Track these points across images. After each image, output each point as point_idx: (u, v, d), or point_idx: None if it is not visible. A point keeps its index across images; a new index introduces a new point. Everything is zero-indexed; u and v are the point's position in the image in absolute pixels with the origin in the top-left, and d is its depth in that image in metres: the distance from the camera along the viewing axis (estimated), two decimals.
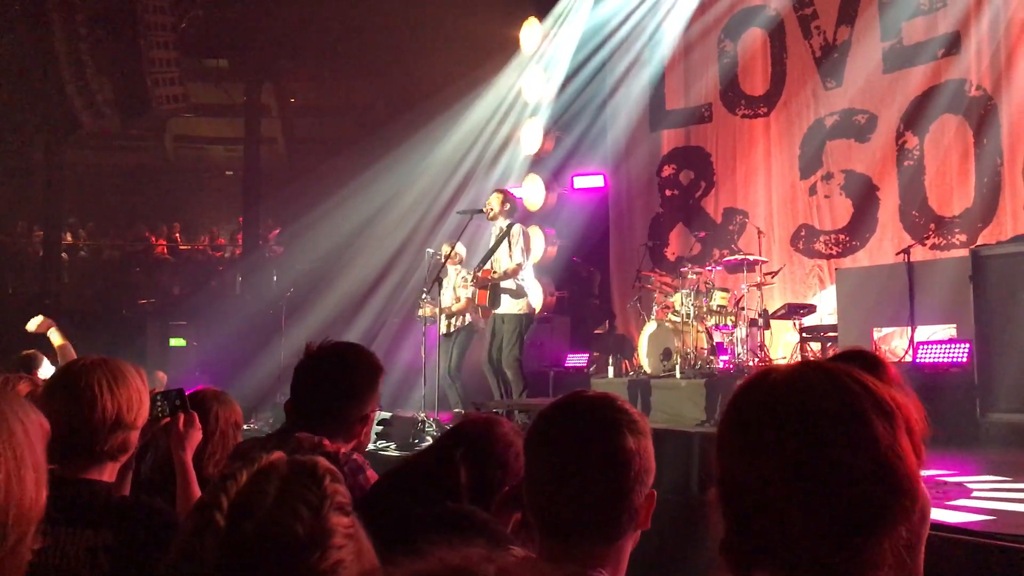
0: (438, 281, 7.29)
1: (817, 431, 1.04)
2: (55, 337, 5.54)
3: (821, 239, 9.19)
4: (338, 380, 2.31)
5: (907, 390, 1.17)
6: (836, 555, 1.01)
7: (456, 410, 7.71)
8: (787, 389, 1.09)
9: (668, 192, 10.78)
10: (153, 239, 16.85)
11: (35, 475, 1.11)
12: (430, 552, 0.73)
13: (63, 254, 15.17)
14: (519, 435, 1.95)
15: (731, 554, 1.07)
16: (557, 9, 10.78)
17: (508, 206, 7.61)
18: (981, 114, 8.00)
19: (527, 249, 7.52)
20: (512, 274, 7.38)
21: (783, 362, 7.87)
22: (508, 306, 7.51)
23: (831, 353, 8.12)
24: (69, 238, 16.20)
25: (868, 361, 1.33)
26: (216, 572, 0.89)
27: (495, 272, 7.49)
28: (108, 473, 1.96)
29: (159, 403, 2.34)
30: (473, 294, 7.82)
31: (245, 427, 2.96)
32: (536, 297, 7.55)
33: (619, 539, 1.47)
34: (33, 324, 5.59)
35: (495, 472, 1.91)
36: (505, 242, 7.46)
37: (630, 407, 1.54)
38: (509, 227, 7.51)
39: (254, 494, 0.93)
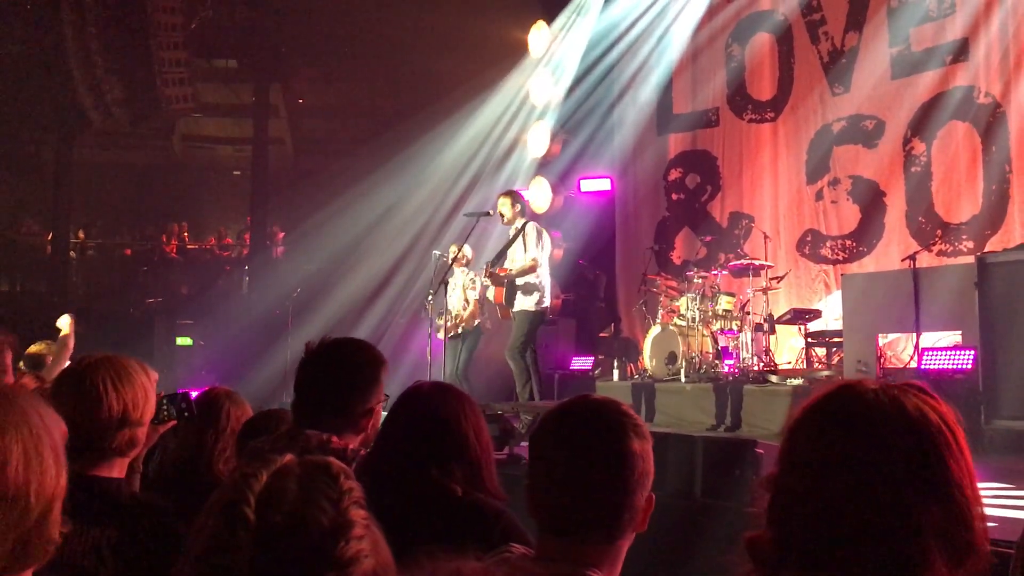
0: (444, 283, 7.30)
1: (897, 465, 1.03)
2: (64, 327, 5.56)
3: (827, 244, 9.18)
4: (339, 375, 2.29)
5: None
6: None
7: None
8: (885, 412, 1.07)
9: (674, 196, 10.79)
10: (162, 238, 16.92)
11: (54, 454, 1.13)
12: (421, 564, 0.75)
13: (71, 252, 15.25)
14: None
15: (762, 553, 1.07)
16: (566, 12, 10.81)
17: (519, 207, 7.73)
18: (989, 121, 7.99)
19: (541, 246, 7.60)
20: (529, 270, 7.44)
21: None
22: (521, 303, 7.56)
23: (836, 359, 8.14)
24: (81, 235, 16.29)
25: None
26: (250, 563, 0.94)
27: (511, 269, 7.55)
28: (117, 469, 1.99)
29: (164, 406, 2.37)
30: (481, 295, 7.86)
31: None
32: (549, 295, 7.60)
33: (618, 539, 1.51)
34: (65, 323, 5.59)
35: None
36: (520, 239, 7.53)
37: (633, 412, 1.59)
38: (524, 225, 7.60)
39: (278, 490, 0.99)
